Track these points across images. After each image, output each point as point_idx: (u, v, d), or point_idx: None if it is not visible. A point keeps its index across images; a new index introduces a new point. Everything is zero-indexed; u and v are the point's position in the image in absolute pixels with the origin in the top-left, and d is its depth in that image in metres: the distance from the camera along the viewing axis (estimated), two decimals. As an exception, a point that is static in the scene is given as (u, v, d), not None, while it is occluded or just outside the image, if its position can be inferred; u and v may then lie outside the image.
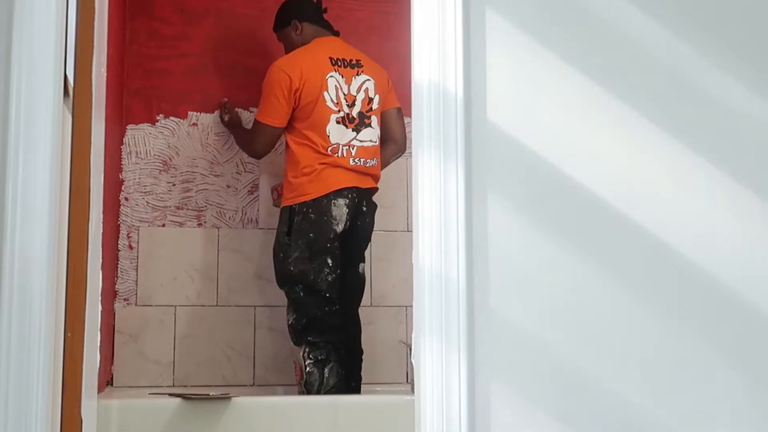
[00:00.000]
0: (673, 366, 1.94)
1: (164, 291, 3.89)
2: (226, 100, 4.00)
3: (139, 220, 3.91)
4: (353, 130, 3.53)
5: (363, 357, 3.60)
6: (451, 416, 1.86)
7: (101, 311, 2.47)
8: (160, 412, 3.04)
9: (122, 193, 3.90)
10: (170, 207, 3.95)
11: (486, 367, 1.89)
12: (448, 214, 1.91)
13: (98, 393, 2.42)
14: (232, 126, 3.96)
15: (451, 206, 1.91)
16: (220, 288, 3.95)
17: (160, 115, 3.98)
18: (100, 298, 2.35)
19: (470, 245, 1.91)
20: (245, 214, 3.99)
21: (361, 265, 3.63)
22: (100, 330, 2.41)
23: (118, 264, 3.85)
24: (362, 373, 3.58)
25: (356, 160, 3.52)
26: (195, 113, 4.02)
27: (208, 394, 3.13)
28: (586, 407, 1.91)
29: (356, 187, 3.52)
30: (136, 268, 3.88)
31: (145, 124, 3.96)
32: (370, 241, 3.68)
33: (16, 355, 1.73)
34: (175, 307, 3.89)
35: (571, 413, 1.90)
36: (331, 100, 3.52)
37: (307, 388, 3.38)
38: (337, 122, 3.51)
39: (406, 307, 3.99)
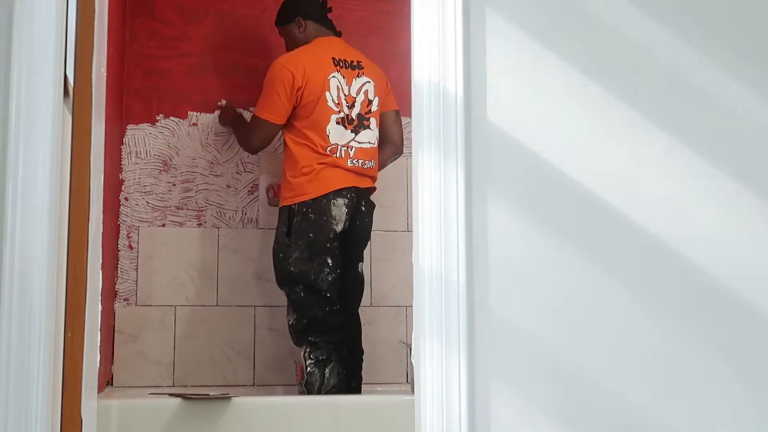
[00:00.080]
0: (673, 366, 1.94)
1: (164, 291, 3.89)
2: (224, 101, 3.99)
3: (139, 220, 3.91)
4: (352, 132, 3.53)
5: (363, 357, 3.60)
6: (451, 416, 1.86)
7: (101, 311, 2.47)
8: (160, 412, 3.04)
9: (122, 193, 3.90)
10: (170, 207, 3.95)
11: (486, 367, 1.89)
12: (448, 214, 1.91)
13: (98, 393, 2.42)
14: (236, 123, 3.95)
15: (451, 206, 1.91)
16: (220, 288, 3.95)
17: (160, 115, 3.98)
18: (100, 298, 2.35)
19: (470, 245, 1.91)
20: (245, 214, 3.99)
21: (360, 264, 3.63)
22: (100, 330, 2.41)
23: (118, 264, 3.85)
24: (363, 373, 3.58)
25: (354, 161, 3.52)
26: (195, 113, 4.02)
27: (208, 394, 3.13)
28: (586, 407, 1.91)
29: (355, 187, 3.52)
30: (136, 268, 3.88)
31: (145, 124, 3.96)
32: (369, 240, 3.68)
33: (16, 355, 1.73)
34: (175, 307, 3.89)
35: (571, 413, 1.90)
36: (333, 101, 3.51)
37: (308, 388, 3.38)
38: (337, 123, 3.51)
39: (406, 307, 3.99)
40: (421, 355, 1.89)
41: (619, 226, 1.96)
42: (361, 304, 3.67)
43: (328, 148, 3.47)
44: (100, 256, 2.27)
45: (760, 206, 1.99)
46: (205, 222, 3.96)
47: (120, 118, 3.86)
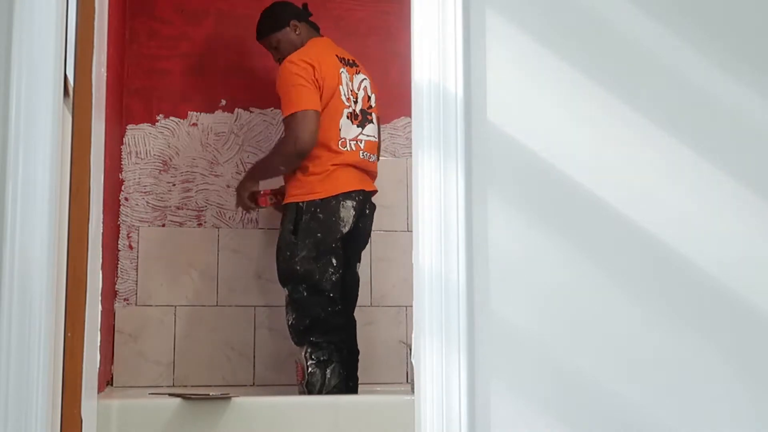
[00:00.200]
0: (673, 366, 1.94)
1: (164, 291, 3.89)
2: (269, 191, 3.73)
3: (139, 220, 3.91)
4: (359, 126, 3.55)
5: (360, 357, 3.60)
6: (451, 416, 1.86)
7: (101, 311, 2.47)
8: (160, 412, 3.04)
9: (122, 193, 3.90)
10: (170, 207, 3.95)
11: (486, 367, 1.89)
12: (448, 214, 1.91)
13: (98, 393, 2.42)
14: (257, 168, 3.70)
15: (451, 206, 1.91)
16: (220, 288, 3.95)
17: (160, 115, 3.98)
18: (100, 298, 2.35)
19: (470, 245, 1.91)
20: (245, 214, 3.98)
21: (357, 265, 3.64)
22: (100, 330, 2.41)
23: (118, 264, 3.85)
24: (362, 373, 3.58)
25: (364, 154, 3.53)
26: (195, 113, 4.02)
27: (208, 394, 3.14)
28: (586, 407, 1.91)
29: (362, 190, 3.53)
30: (136, 268, 3.88)
31: (145, 124, 3.96)
32: (368, 241, 3.68)
33: (16, 355, 1.73)
34: (175, 307, 3.89)
35: (571, 413, 1.90)
36: (344, 95, 3.53)
37: (309, 388, 3.38)
38: (347, 117, 3.52)
39: (406, 307, 3.99)
40: (421, 355, 1.89)
41: (619, 226, 1.96)
42: (361, 304, 3.67)
43: (339, 142, 3.48)
44: (100, 256, 2.27)
45: (760, 206, 1.99)
46: (205, 222, 3.96)
47: (120, 118, 3.86)
